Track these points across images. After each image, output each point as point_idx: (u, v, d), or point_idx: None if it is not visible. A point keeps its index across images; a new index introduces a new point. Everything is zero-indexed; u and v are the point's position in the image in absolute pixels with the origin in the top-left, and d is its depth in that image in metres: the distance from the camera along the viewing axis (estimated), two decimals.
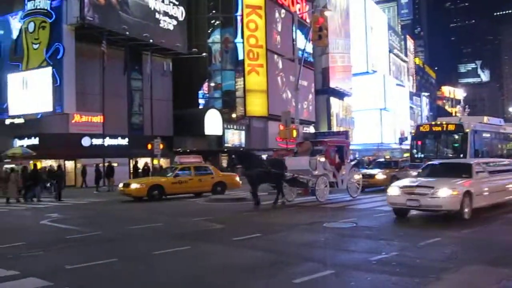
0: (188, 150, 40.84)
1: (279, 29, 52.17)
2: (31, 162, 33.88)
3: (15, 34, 36.91)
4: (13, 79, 36.47)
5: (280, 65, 51.16)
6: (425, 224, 13.06)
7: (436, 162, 16.28)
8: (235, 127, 47.24)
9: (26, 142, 34.92)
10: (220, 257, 9.13)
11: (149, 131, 37.43)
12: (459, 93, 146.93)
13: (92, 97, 35.31)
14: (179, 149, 41.60)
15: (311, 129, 57.25)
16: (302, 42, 34.53)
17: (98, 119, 34.11)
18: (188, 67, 44.82)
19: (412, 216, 13.82)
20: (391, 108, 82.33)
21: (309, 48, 51.42)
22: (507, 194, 14.92)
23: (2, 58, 37.72)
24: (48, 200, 23.94)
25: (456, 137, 21.85)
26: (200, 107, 47.52)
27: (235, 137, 47.10)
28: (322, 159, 19.05)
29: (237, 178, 24.77)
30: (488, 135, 23.86)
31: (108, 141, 34.89)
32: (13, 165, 28.15)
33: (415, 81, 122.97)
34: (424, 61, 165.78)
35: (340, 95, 68.43)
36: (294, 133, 25.61)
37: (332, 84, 64.93)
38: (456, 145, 22.08)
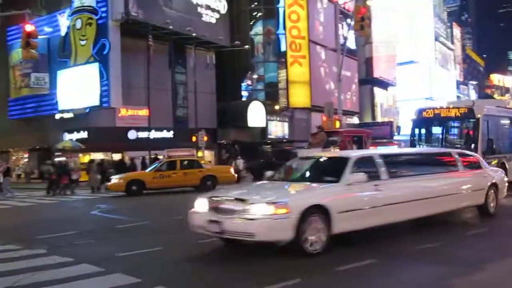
0: (230, 142, 41.23)
1: (322, 19, 51.75)
2: (80, 155, 35.11)
3: (63, 31, 37.89)
4: (62, 75, 37.53)
5: (323, 56, 50.78)
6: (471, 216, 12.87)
7: (305, 155, 12.71)
8: (278, 118, 47.30)
9: (75, 135, 35.97)
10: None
11: (193, 123, 37.92)
12: (509, 81, 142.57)
13: (138, 91, 36.03)
14: (223, 141, 42.05)
15: (355, 120, 56.71)
16: (345, 33, 34.21)
17: (143, 112, 34.79)
18: (231, 60, 45.08)
19: None
20: (437, 98, 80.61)
21: (352, 38, 50.90)
22: (408, 211, 9.58)
23: (51, 55, 38.82)
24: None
25: (465, 124, 18.51)
26: (243, 99, 47.75)
27: (278, 129, 47.17)
28: (337, 150, 18.18)
29: (232, 171, 23.33)
30: (509, 122, 20.08)
31: (153, 134, 35.57)
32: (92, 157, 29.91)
33: (462, 70, 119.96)
34: (472, 49, 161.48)
35: (384, 85, 67.47)
36: (337, 124, 25.43)
37: (376, 74, 64.07)
38: (464, 134, 18.79)
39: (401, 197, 9.32)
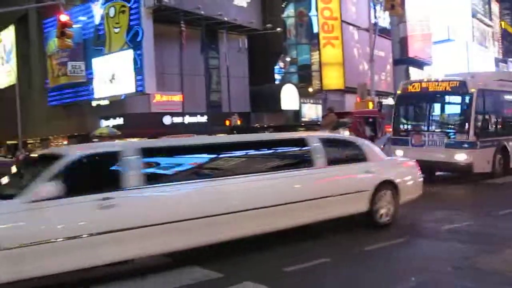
0: (265, 126, 41.34)
1: None
2: (117, 141, 35.79)
3: (97, 20, 38.47)
4: (97, 63, 38.22)
5: (356, 36, 50.18)
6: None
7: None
8: (311, 101, 47.15)
9: (111, 122, 36.69)
10: None
11: (226, 107, 38.21)
12: None
13: (171, 76, 36.50)
14: (257, 124, 42.20)
15: (390, 101, 55.98)
16: (378, 12, 33.77)
17: (177, 98, 35.28)
18: (263, 43, 45.02)
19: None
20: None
21: (386, 17, 50.15)
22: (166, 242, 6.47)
23: (86, 43, 39.54)
24: None
25: (456, 100, 15.91)
26: (276, 82, 47.72)
27: (311, 111, 47.05)
28: (346, 133, 17.22)
29: None
30: (505, 96, 17.08)
31: (188, 119, 36.02)
32: None
33: (501, 47, 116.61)
34: (511, 24, 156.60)
35: (419, 64, 66.25)
36: (371, 105, 25.27)
37: (411, 54, 62.96)
38: (455, 112, 16.18)
39: (154, 218, 6.21)
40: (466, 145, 14.62)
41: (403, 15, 51.38)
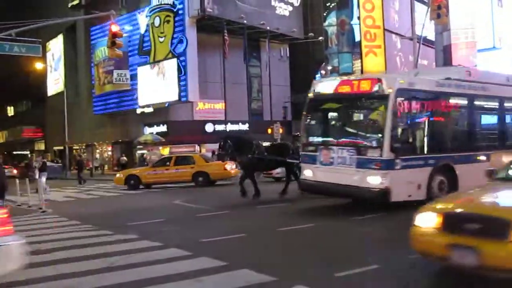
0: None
1: (397, 8, 50.62)
2: (160, 148, 36.47)
3: (142, 29, 39.39)
4: (142, 71, 39.06)
5: (399, 45, 49.70)
6: None
7: None
8: None
9: (155, 129, 37.38)
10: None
11: (268, 116, 38.51)
12: None
13: (214, 85, 37.09)
14: (298, 133, 42.24)
15: None
16: (421, 20, 33.45)
17: (220, 106, 35.78)
18: (304, 52, 45.16)
19: None
20: None
21: (429, 26, 49.51)
22: None
23: (132, 52, 40.48)
24: None
25: (371, 104, 12.33)
26: None
27: None
28: None
29: (228, 167, 22.35)
30: (446, 101, 12.59)
31: (229, 127, 36.45)
32: None
33: None
34: None
35: None
36: None
37: (455, 62, 61.47)
38: (370, 120, 12.63)
39: None
40: (379, 164, 10.96)
41: (447, 24, 50.67)
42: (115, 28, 17.72)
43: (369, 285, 6.22)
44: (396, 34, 48.50)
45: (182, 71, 35.83)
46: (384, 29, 48.31)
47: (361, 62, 48.09)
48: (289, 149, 16.37)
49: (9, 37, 19.69)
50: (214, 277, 6.58)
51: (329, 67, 49.78)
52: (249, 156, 15.46)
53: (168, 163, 23.61)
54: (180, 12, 36.19)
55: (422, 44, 32.54)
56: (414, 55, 29.83)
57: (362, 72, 47.63)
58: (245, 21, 37.26)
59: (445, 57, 61.14)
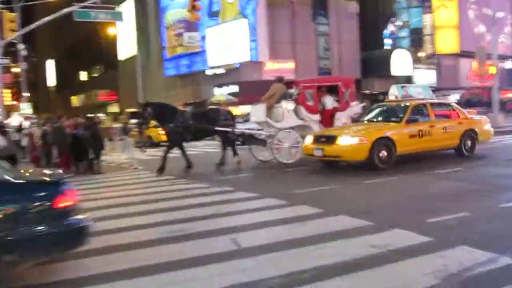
0: (375, 92, 41.16)
1: None
2: (232, 108, 37.25)
3: None
4: (212, 33, 39.69)
5: None
6: None
7: None
8: (424, 66, 45.97)
9: (225, 90, 38.13)
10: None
11: (337, 74, 38.41)
12: None
13: (283, 45, 37.27)
14: (367, 90, 42.05)
15: (508, 64, 53.13)
16: None
17: (289, 65, 36.02)
18: (373, 7, 44.46)
19: None
20: None
21: None
22: None
23: (202, 14, 41.04)
24: None
25: None
26: (387, 47, 46.93)
27: (424, 77, 45.90)
28: (290, 106, 14.74)
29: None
30: None
31: None
32: None
33: None
34: None
35: None
36: (492, 70, 24.39)
37: None
38: None
39: None
40: None
41: None
42: None
43: (462, 228, 6.63)
44: None
45: (251, 31, 36.21)
46: None
47: (432, 16, 46.80)
48: (219, 116, 14.91)
49: (94, 5, 20.67)
50: (315, 222, 7.21)
51: (398, 23, 48.76)
52: (170, 125, 14.26)
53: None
54: None
55: None
56: (489, 8, 28.88)
57: (433, 26, 46.39)
58: None
59: None
